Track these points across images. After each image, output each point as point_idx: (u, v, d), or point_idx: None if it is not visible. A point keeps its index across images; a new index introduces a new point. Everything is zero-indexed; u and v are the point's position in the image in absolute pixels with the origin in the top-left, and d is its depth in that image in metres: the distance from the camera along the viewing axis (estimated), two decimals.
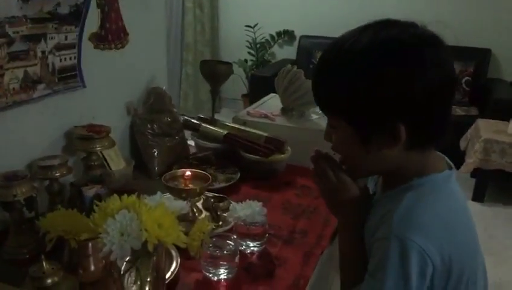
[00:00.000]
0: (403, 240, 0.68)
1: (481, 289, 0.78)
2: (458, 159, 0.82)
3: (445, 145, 0.79)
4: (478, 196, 3.07)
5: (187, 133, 1.55)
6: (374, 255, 0.73)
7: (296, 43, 4.42)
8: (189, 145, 1.55)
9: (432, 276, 0.69)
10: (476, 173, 3.07)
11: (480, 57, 3.73)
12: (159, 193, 0.88)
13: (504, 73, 3.86)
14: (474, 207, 2.99)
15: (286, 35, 4.48)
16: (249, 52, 4.55)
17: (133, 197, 0.74)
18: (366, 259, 0.76)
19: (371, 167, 0.81)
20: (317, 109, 1.60)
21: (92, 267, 0.87)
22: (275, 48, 4.59)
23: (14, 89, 1.02)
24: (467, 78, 3.67)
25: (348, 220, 0.85)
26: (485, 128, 3.04)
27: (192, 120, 1.55)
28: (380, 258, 0.71)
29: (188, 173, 1.17)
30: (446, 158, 0.83)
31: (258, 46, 4.51)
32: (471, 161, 2.97)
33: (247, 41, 4.51)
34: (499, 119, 3.12)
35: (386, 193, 0.83)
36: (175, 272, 0.91)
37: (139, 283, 0.77)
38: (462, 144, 3.22)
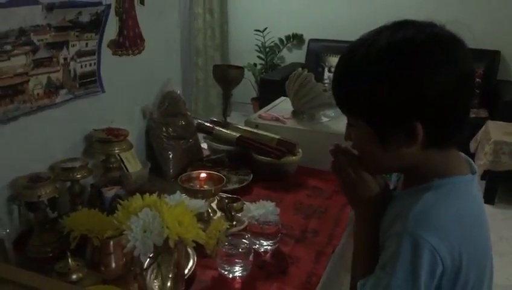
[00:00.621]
0: (416, 238, 0.70)
1: None
2: None
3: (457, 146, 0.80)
4: (488, 198, 3.07)
5: (200, 136, 1.59)
6: (386, 249, 0.75)
7: (305, 46, 4.45)
8: (203, 148, 1.59)
9: (440, 276, 0.70)
10: (486, 175, 3.07)
11: (490, 58, 3.74)
12: (178, 192, 0.92)
13: None
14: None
15: (295, 39, 4.51)
16: (258, 56, 4.59)
17: (154, 196, 0.78)
18: (379, 254, 0.78)
19: (389, 165, 0.83)
20: (328, 112, 1.64)
21: (113, 265, 0.91)
22: (284, 52, 4.63)
23: (38, 94, 1.07)
24: (476, 80, 3.67)
25: (366, 216, 0.87)
26: (495, 130, 3.05)
27: (206, 123, 1.59)
28: (392, 252, 0.72)
29: (203, 174, 1.21)
30: (471, 161, 0.84)
31: (267, 50, 4.55)
32: (481, 162, 2.98)
33: (257, 45, 4.55)
34: (508, 121, 3.13)
35: (405, 190, 0.84)
36: (192, 269, 0.95)
37: (160, 278, 0.81)
38: (472, 146, 3.23)
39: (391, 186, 0.92)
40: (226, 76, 1.69)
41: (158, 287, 0.83)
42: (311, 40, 4.37)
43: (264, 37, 4.49)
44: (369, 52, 0.73)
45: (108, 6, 1.21)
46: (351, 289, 0.90)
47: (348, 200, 0.91)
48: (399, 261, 0.71)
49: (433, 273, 0.70)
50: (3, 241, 0.77)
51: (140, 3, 1.37)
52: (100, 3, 1.17)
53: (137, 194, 0.78)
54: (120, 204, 0.78)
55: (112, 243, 0.90)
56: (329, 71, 4.14)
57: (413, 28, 0.74)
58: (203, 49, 4.54)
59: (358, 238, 0.89)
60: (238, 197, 1.23)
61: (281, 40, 4.52)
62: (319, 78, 4.08)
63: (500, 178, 3.04)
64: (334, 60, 4.12)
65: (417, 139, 0.73)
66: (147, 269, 0.81)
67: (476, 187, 0.81)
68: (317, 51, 4.24)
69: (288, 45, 4.56)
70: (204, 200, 0.99)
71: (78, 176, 1.10)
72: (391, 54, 0.71)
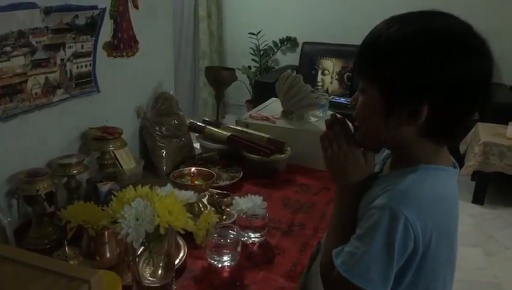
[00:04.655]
0: (395, 211, 0.74)
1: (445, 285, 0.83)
2: (458, 162, 0.87)
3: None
4: (478, 198, 3.13)
5: (193, 136, 1.64)
6: (366, 221, 0.78)
7: (298, 49, 4.50)
8: (195, 147, 1.64)
9: (410, 255, 0.75)
10: (475, 175, 3.13)
11: None
12: (169, 184, 0.97)
13: (504, 77, 3.93)
14: (474, 209, 3.06)
15: (289, 42, 4.57)
16: (252, 59, 4.65)
17: (146, 187, 0.83)
18: (354, 226, 0.82)
19: (384, 139, 0.85)
20: (316, 112, 1.70)
21: (108, 255, 0.96)
22: (278, 55, 4.68)
23: (36, 93, 1.12)
24: None
25: (347, 188, 0.90)
26: (485, 132, 3.11)
27: (198, 123, 1.65)
28: (371, 223, 0.76)
29: (194, 170, 1.26)
30: (453, 159, 0.87)
31: (261, 52, 4.61)
32: (471, 163, 3.04)
33: (251, 48, 4.61)
34: (498, 123, 3.18)
35: (394, 170, 0.87)
36: (183, 259, 1.00)
37: (152, 267, 0.86)
38: (462, 147, 3.28)
39: (377, 169, 0.95)
40: (218, 77, 1.75)
41: (150, 274, 0.88)
42: (304, 43, 4.42)
43: (258, 40, 4.55)
44: (402, 27, 0.76)
45: (103, 9, 1.26)
46: (322, 259, 0.92)
47: (330, 171, 0.93)
48: (377, 231, 0.74)
49: (405, 246, 0.74)
50: (4, 229, 0.82)
51: (134, 6, 1.42)
52: (95, 7, 1.23)
53: (130, 185, 0.83)
54: (114, 195, 0.83)
55: (106, 233, 0.95)
56: (323, 74, 4.20)
57: (452, 18, 0.77)
58: (209, 52, 4.58)
59: (337, 210, 0.92)
60: (229, 193, 1.28)
61: (275, 43, 4.58)
62: (313, 80, 4.13)
63: (489, 179, 3.09)
64: (327, 63, 4.19)
65: (418, 120, 0.76)
66: (139, 257, 0.86)
67: (455, 181, 0.85)
68: (311, 54, 4.30)
69: (282, 47, 4.62)
70: (193, 192, 1.04)
71: (74, 171, 1.15)
72: (424, 36, 0.74)
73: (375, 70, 0.81)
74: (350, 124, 0.93)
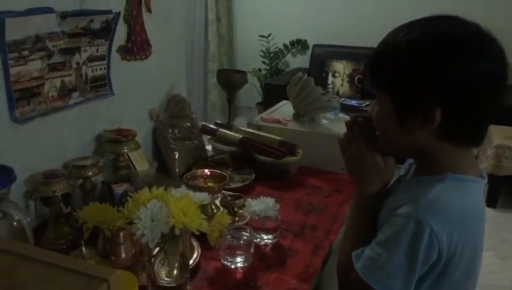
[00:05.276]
0: (421, 221, 0.73)
1: None
2: None
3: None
4: (491, 202, 3.10)
5: (205, 138, 1.65)
6: (389, 227, 0.77)
7: (309, 52, 4.51)
8: (207, 150, 1.65)
9: (431, 264, 0.74)
10: (488, 179, 3.10)
11: None
12: (183, 186, 0.98)
13: None
14: (487, 212, 2.99)
15: (299, 45, 4.57)
16: (263, 62, 4.66)
17: (161, 189, 0.84)
18: (372, 228, 0.83)
19: (402, 146, 0.84)
20: (327, 114, 1.70)
21: (123, 255, 0.98)
22: (288, 57, 4.69)
23: (52, 96, 1.14)
24: None
25: (365, 190, 0.90)
26: (497, 135, 3.08)
27: (210, 125, 1.66)
28: (395, 231, 0.75)
29: (207, 172, 1.27)
30: (481, 168, 0.86)
31: (271, 55, 4.62)
32: (484, 166, 3.01)
33: (261, 50, 4.62)
34: (510, 125, 3.15)
35: (418, 177, 0.86)
36: (196, 260, 1.01)
37: (167, 268, 0.87)
38: (474, 150, 3.26)
39: (402, 172, 0.95)
40: (230, 80, 1.76)
41: (165, 275, 0.89)
42: (315, 46, 4.42)
43: (268, 43, 4.56)
44: (408, 34, 0.77)
45: (118, 14, 1.28)
46: (339, 260, 0.93)
47: (350, 172, 0.94)
48: (401, 240, 0.74)
49: (429, 256, 0.73)
50: (24, 229, 0.84)
51: (148, 10, 1.44)
52: (110, 12, 1.25)
53: (146, 187, 0.85)
54: (130, 197, 0.84)
55: (122, 234, 0.96)
56: (333, 76, 4.20)
57: (458, 21, 0.77)
58: (218, 55, 4.61)
59: (354, 211, 0.93)
60: (241, 194, 1.29)
61: (285, 45, 4.59)
62: (323, 82, 4.13)
63: (502, 182, 3.06)
64: (337, 65, 4.18)
65: (433, 124, 0.76)
66: (155, 258, 0.87)
67: (482, 192, 0.83)
68: (321, 56, 4.30)
69: (293, 50, 4.62)
70: (207, 194, 1.05)
71: (90, 173, 1.16)
72: (428, 40, 0.75)
73: (384, 78, 0.82)
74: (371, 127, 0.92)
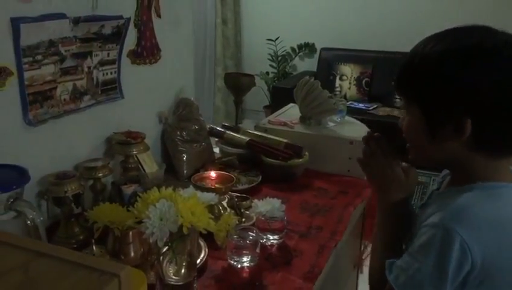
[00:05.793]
0: (450, 231, 0.72)
1: None
2: None
3: None
4: None
5: (213, 141, 1.68)
6: (418, 238, 0.77)
7: (316, 55, 4.53)
8: (215, 152, 1.68)
9: (467, 274, 0.72)
10: None
11: None
12: (191, 186, 1.01)
13: None
14: None
15: (307, 48, 4.60)
16: (270, 65, 4.69)
17: (170, 189, 0.86)
18: (397, 237, 0.85)
19: (433, 156, 0.84)
20: (334, 117, 1.72)
21: (132, 254, 1.00)
22: (296, 61, 4.71)
23: (64, 100, 1.17)
24: None
25: (388, 202, 0.92)
26: None
27: (217, 128, 1.69)
28: (424, 241, 0.75)
29: (214, 174, 1.29)
30: None
31: (279, 58, 4.64)
32: None
33: (269, 54, 4.65)
34: None
35: (449, 187, 0.87)
36: (204, 259, 1.03)
37: (175, 266, 0.89)
38: None
39: (435, 186, 0.96)
40: (238, 84, 1.79)
41: (173, 273, 0.92)
42: (322, 49, 4.44)
43: (276, 46, 4.59)
44: (435, 46, 0.78)
45: (128, 19, 1.31)
46: (371, 270, 0.95)
47: (374, 188, 0.96)
48: (430, 250, 0.74)
49: (461, 267, 0.72)
50: (37, 228, 0.87)
51: (157, 16, 1.47)
52: (121, 17, 1.28)
53: (155, 187, 0.87)
54: (139, 196, 0.87)
55: (131, 233, 0.99)
56: (341, 79, 4.21)
57: (486, 31, 0.78)
58: (222, 58, 4.65)
59: (379, 223, 0.95)
60: (248, 196, 1.31)
61: (292, 49, 4.61)
62: (331, 86, 4.14)
63: None
64: (345, 68, 4.20)
65: (463, 135, 0.76)
66: (163, 257, 0.90)
67: None
68: (329, 60, 4.32)
69: (300, 53, 4.65)
70: (215, 194, 1.08)
71: (100, 174, 1.19)
72: (456, 52, 0.75)
73: (412, 91, 0.82)
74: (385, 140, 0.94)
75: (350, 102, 3.99)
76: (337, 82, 4.21)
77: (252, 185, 1.44)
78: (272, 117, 1.82)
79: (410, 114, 0.84)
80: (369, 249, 1.67)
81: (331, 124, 1.71)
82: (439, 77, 0.77)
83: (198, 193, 0.94)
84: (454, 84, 0.75)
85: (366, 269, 1.66)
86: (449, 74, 0.76)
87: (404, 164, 0.95)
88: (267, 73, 4.69)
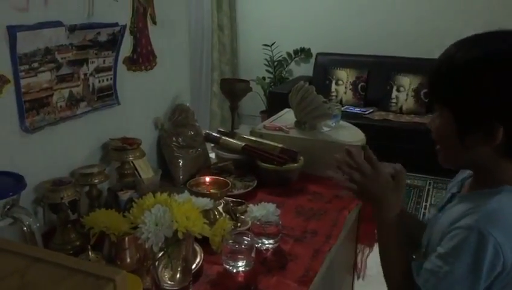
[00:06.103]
0: (484, 233, 0.73)
1: None
2: None
3: None
4: None
5: (209, 146, 1.69)
6: (450, 240, 0.78)
7: (312, 60, 4.56)
8: (211, 157, 1.69)
9: (497, 275, 0.74)
10: None
11: None
12: (186, 191, 1.02)
13: None
14: None
15: (303, 53, 4.62)
16: (267, 70, 4.71)
17: (165, 195, 0.87)
18: (401, 240, 0.86)
19: (461, 159, 0.86)
20: (328, 122, 1.73)
21: (128, 260, 1.01)
22: (292, 66, 4.74)
23: (61, 106, 1.18)
24: None
25: (384, 210, 0.94)
26: None
27: (213, 133, 1.70)
28: (456, 244, 0.76)
29: (210, 179, 1.30)
30: None
31: (275, 64, 4.67)
32: None
33: (265, 59, 4.67)
34: None
35: (475, 191, 0.88)
36: (199, 264, 1.04)
37: (171, 271, 0.90)
38: None
39: (455, 189, 0.97)
40: (233, 89, 1.80)
41: (168, 278, 0.93)
42: (318, 54, 4.47)
43: (272, 52, 4.61)
44: (467, 52, 0.79)
45: (124, 26, 1.33)
46: (389, 280, 0.94)
47: (368, 201, 1.00)
48: (463, 252, 0.74)
49: (494, 269, 0.73)
50: (34, 234, 0.87)
51: (153, 23, 1.49)
52: (116, 24, 1.29)
53: (150, 193, 0.88)
54: (135, 202, 0.88)
55: (127, 239, 0.99)
56: (336, 84, 4.23)
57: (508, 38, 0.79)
58: (218, 64, 4.67)
59: (381, 231, 0.96)
60: (243, 201, 1.32)
61: (289, 54, 4.64)
62: (327, 90, 4.17)
63: None
64: (341, 73, 4.22)
65: (494, 141, 0.78)
66: (158, 262, 0.91)
67: None
68: (325, 65, 4.35)
69: (296, 58, 4.67)
70: (210, 199, 1.09)
71: (96, 180, 1.20)
72: (485, 60, 0.77)
73: (445, 95, 0.83)
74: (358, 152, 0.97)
75: (346, 106, 4.01)
76: (333, 87, 4.23)
77: (248, 189, 1.45)
78: (267, 122, 1.84)
79: (442, 117, 0.85)
80: (365, 253, 1.68)
81: (325, 128, 1.72)
82: (470, 86, 0.78)
83: (194, 198, 0.95)
84: (485, 94, 0.76)
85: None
86: (480, 84, 0.77)
87: (392, 168, 0.97)
88: (264, 78, 4.71)
